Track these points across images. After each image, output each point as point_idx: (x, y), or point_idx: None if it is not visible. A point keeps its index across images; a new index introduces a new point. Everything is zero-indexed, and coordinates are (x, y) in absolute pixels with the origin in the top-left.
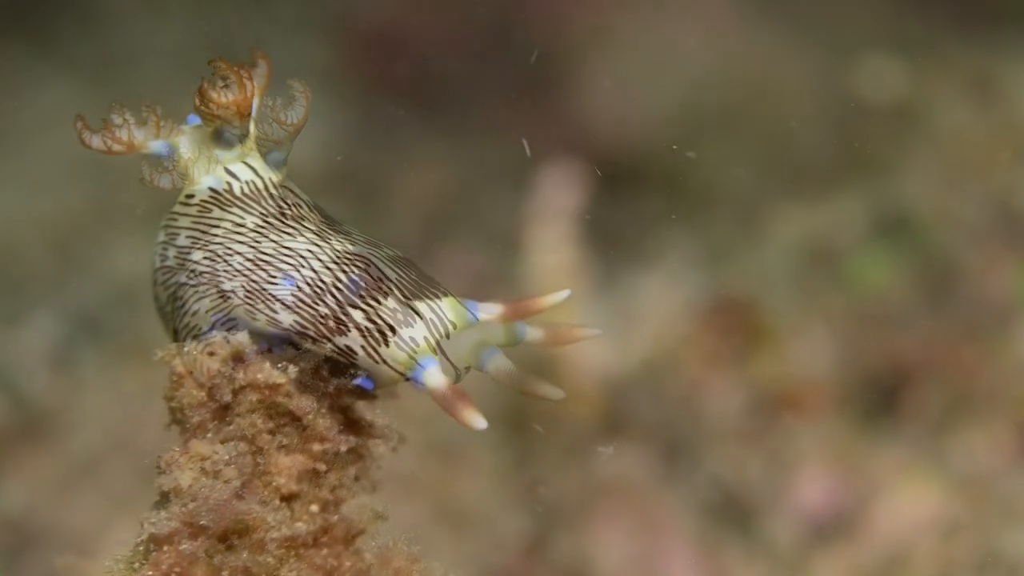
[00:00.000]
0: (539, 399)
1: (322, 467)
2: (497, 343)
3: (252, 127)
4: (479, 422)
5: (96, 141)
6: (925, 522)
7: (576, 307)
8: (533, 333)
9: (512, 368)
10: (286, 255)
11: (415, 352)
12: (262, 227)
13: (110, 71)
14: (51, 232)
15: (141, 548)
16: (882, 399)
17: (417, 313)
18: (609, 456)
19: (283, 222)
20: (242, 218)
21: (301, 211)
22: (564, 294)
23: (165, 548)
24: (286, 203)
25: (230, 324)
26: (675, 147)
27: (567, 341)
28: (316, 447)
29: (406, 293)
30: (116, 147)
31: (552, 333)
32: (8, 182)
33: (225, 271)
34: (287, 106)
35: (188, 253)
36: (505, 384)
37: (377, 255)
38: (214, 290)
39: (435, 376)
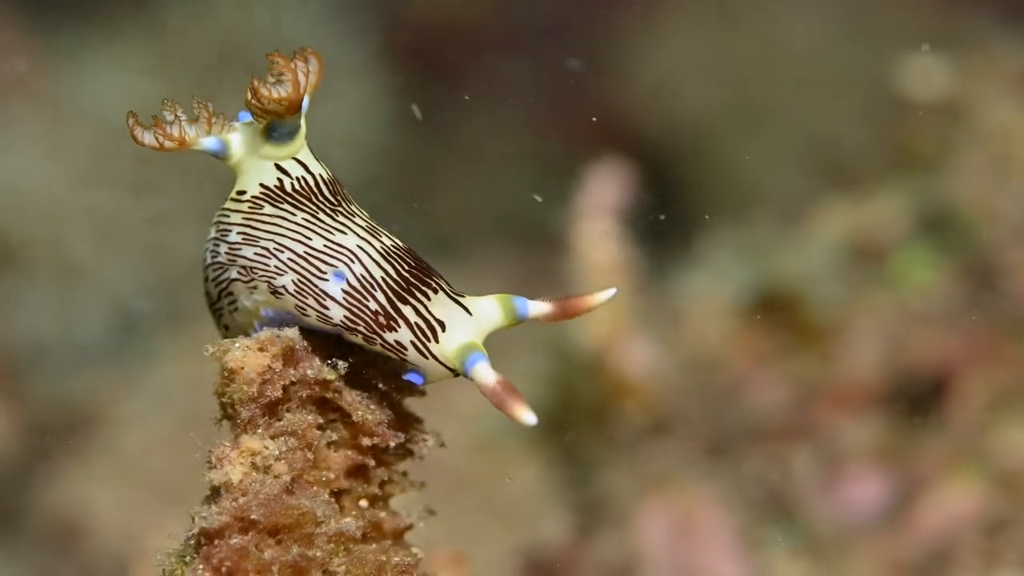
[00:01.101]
0: (512, 420)
1: (371, 462)
2: (497, 325)
3: (303, 123)
4: (529, 417)
5: (148, 138)
6: (969, 518)
7: (622, 304)
8: (537, 308)
9: (496, 380)
10: (337, 251)
11: (464, 348)
12: (313, 223)
13: (161, 64)
14: (101, 224)
15: (192, 542)
16: (926, 395)
17: (465, 309)
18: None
19: (333, 218)
20: (293, 214)
21: (351, 207)
22: (611, 292)
23: (216, 542)
24: (336, 199)
25: (280, 320)
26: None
27: (579, 311)
28: (365, 442)
29: (453, 289)
30: (168, 144)
31: (561, 305)
32: (56, 173)
33: (276, 267)
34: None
35: (239, 249)
36: (485, 395)
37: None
38: (265, 286)
39: (485, 372)
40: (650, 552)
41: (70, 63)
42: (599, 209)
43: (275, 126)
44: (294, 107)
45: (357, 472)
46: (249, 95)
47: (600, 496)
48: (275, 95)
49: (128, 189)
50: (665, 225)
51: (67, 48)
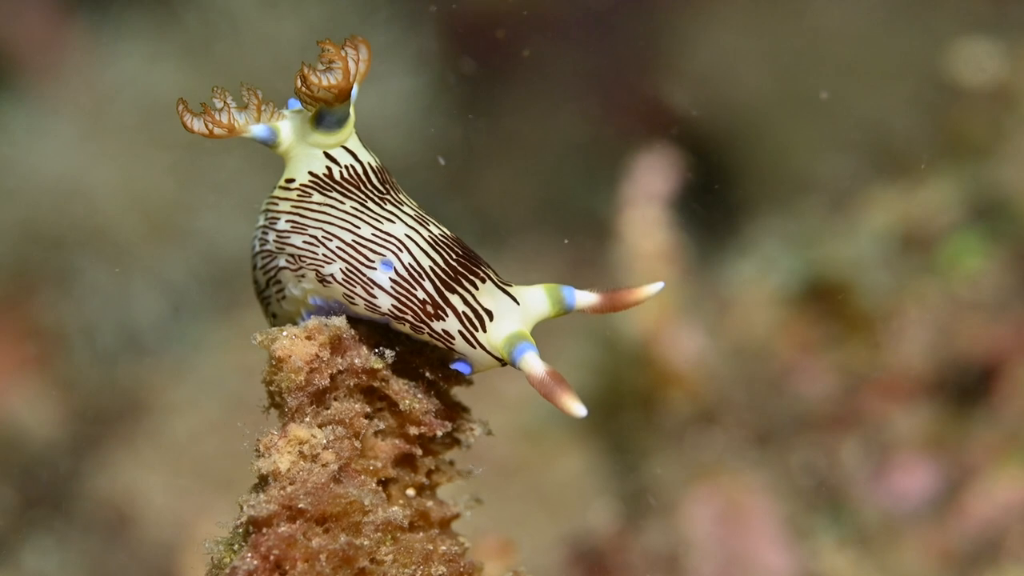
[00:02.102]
0: (562, 411)
1: (418, 451)
2: (545, 315)
3: (352, 112)
4: (579, 408)
5: (198, 124)
6: (1018, 506)
7: (669, 292)
8: (585, 299)
9: (544, 370)
10: (385, 240)
11: (512, 337)
12: (361, 211)
13: (211, 53)
14: (149, 212)
15: (240, 530)
16: (975, 384)
17: (513, 298)
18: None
19: (382, 207)
20: (342, 202)
21: (399, 196)
22: (659, 286)
23: (264, 530)
24: (384, 187)
25: (328, 308)
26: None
27: (626, 304)
28: (412, 431)
29: (501, 278)
30: (217, 131)
31: (609, 297)
32: (105, 162)
33: (324, 255)
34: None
35: (288, 237)
36: (534, 386)
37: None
38: (313, 274)
39: (534, 362)
40: (697, 540)
41: (118, 50)
42: (647, 197)
43: (324, 114)
44: (344, 95)
45: (404, 461)
46: (299, 82)
47: (647, 484)
48: (325, 83)
49: (177, 177)
50: (713, 213)
51: (115, 34)
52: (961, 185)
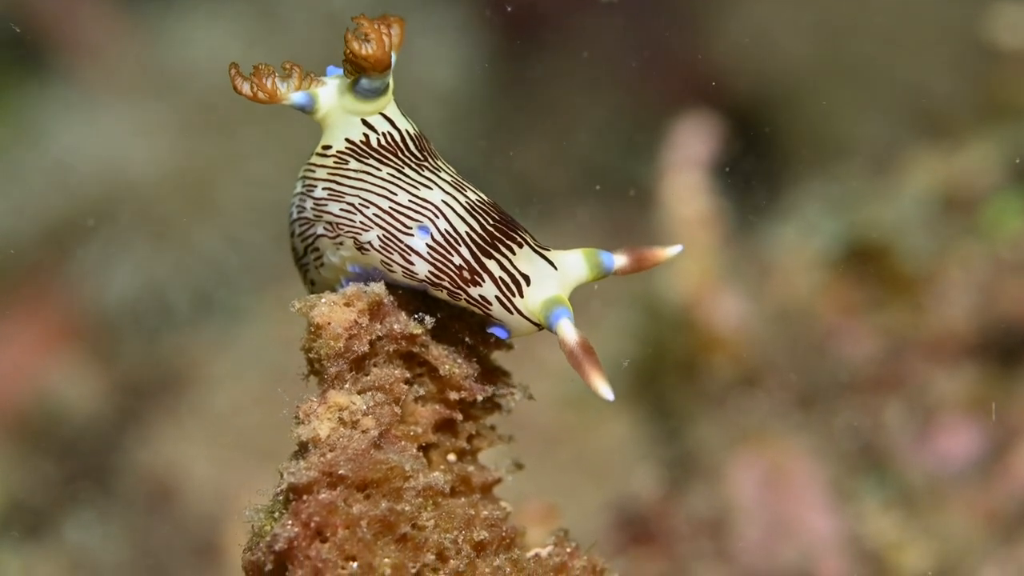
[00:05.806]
0: (589, 388)
1: (459, 416)
2: (583, 279)
3: (390, 80)
4: (605, 391)
5: (246, 87)
6: None
7: (710, 257)
8: (619, 261)
9: (577, 340)
10: (422, 207)
11: (549, 302)
12: (398, 178)
13: (257, 29)
14: (190, 185)
15: (281, 498)
16: (1019, 345)
17: (551, 263)
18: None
19: (419, 173)
20: (379, 169)
21: (437, 162)
22: (677, 248)
23: (304, 497)
24: (422, 155)
25: (367, 275)
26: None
27: (650, 263)
28: (453, 396)
29: (539, 243)
30: (261, 95)
31: (635, 257)
32: (151, 135)
33: (362, 222)
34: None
35: (325, 205)
36: (564, 353)
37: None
38: (351, 241)
39: (568, 328)
40: (741, 505)
41: (160, 28)
42: (687, 162)
43: (363, 82)
44: (380, 65)
45: (445, 426)
46: (344, 45)
47: (691, 450)
48: (363, 51)
49: (217, 150)
50: (754, 177)
51: (158, 13)
52: (1001, 147)
